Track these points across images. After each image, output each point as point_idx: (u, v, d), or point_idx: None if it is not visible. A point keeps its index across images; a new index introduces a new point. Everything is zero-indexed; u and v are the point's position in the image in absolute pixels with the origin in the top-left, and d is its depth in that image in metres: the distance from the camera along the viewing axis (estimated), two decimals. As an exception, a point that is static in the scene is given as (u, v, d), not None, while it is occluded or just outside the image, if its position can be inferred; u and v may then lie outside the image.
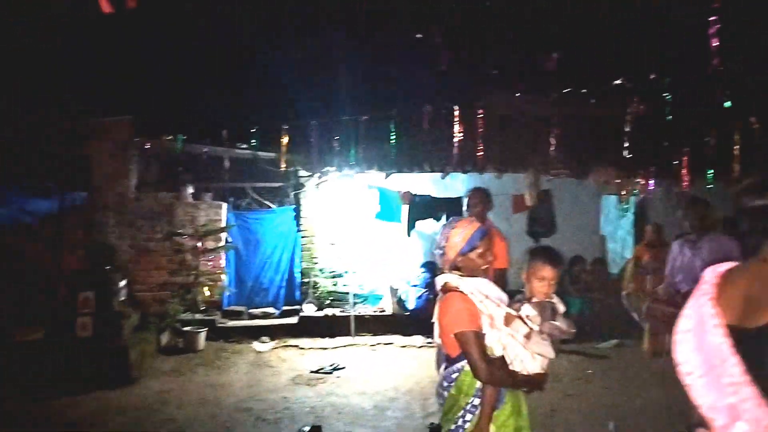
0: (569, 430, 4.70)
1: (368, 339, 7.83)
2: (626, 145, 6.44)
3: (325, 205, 8.72)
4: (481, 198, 4.57)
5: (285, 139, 7.01)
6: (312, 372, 6.46)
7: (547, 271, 2.41)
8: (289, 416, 5.12)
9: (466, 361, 2.27)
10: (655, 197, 8.12)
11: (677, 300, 4.49)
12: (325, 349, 7.45)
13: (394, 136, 6.97)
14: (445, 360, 2.40)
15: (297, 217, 8.73)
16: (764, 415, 1.23)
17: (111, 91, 6.90)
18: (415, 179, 8.54)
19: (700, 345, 1.37)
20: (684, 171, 6.61)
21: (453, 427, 2.32)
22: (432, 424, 4.39)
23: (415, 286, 8.18)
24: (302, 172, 8.57)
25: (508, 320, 2.29)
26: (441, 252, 2.40)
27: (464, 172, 8.05)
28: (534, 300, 2.42)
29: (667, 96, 5.70)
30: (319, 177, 8.46)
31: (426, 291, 7.86)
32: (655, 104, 5.82)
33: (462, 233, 2.36)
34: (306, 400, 5.54)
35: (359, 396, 5.66)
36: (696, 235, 4.48)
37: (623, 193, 7.86)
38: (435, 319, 2.45)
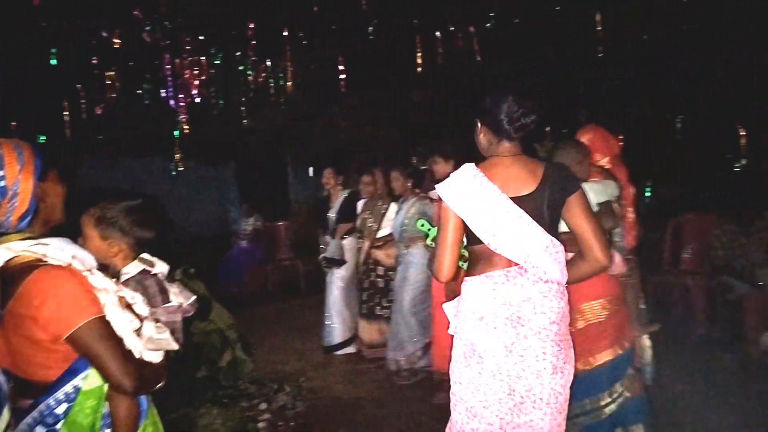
0: None
1: None
2: None
3: None
4: None
5: None
6: None
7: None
8: None
9: (79, 377, 1.45)
10: None
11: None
12: None
13: None
14: (27, 395, 1.46)
15: None
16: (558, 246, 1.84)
17: None
18: None
19: (494, 212, 1.81)
20: None
21: None
22: None
23: None
24: None
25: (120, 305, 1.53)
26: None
27: None
28: (127, 277, 1.69)
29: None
30: None
31: None
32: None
33: (20, 150, 1.43)
34: None
35: None
36: None
37: None
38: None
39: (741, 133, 6.59)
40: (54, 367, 1.45)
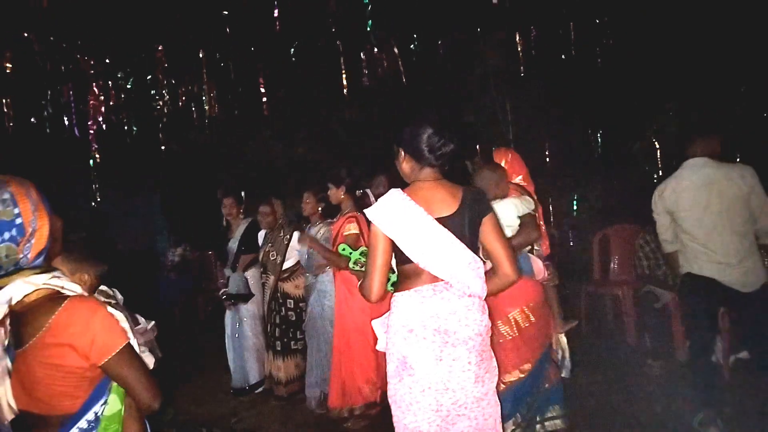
0: None
1: None
2: None
3: None
4: None
5: None
6: None
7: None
8: None
9: (99, 404, 1.48)
10: None
11: None
12: None
13: None
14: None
15: None
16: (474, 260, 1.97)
17: None
18: None
19: (421, 232, 1.93)
20: None
21: None
22: None
23: None
24: None
25: None
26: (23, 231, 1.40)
27: None
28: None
29: None
30: None
31: None
32: None
33: (27, 186, 1.41)
34: None
35: None
36: None
37: None
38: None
39: (657, 146, 6.91)
40: (80, 396, 1.45)
